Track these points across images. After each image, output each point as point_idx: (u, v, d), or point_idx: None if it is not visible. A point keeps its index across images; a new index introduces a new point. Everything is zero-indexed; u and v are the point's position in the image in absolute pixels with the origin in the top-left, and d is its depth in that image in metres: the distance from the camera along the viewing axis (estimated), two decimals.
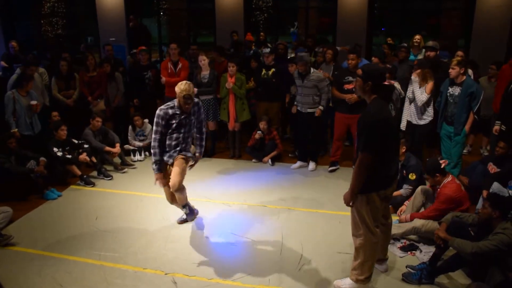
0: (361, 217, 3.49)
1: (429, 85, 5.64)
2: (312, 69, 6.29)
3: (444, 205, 4.24)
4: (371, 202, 3.44)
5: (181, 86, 4.32)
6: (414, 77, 5.73)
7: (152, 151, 4.53)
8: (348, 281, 3.70)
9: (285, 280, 3.90)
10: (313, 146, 6.75)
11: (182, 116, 4.46)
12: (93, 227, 4.93)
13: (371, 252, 3.56)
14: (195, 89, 6.91)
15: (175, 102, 4.46)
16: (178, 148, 4.55)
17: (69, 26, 13.40)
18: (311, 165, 6.69)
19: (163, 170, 4.59)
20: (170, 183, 4.51)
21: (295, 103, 6.58)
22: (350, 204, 3.48)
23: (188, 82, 4.42)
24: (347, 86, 6.12)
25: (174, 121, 4.44)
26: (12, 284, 3.73)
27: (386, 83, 3.82)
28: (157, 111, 4.43)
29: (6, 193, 5.53)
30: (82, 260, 4.25)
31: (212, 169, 6.72)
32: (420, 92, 5.67)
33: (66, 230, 4.87)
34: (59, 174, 6.11)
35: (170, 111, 4.43)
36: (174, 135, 4.50)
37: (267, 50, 7.07)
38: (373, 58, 6.87)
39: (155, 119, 4.44)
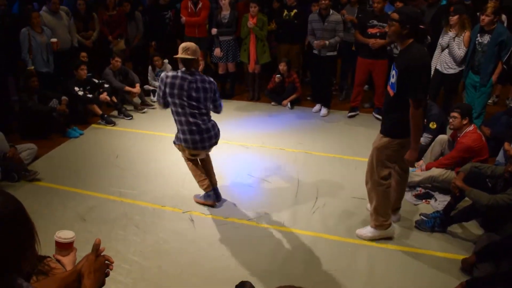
0: (381, 162, 3.46)
1: (466, 36, 5.40)
2: (331, 10, 6.07)
3: (461, 154, 4.19)
4: (402, 147, 3.37)
5: None
6: (453, 23, 5.48)
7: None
8: (368, 228, 3.73)
9: (299, 222, 3.99)
10: (325, 91, 6.67)
11: None
12: (113, 165, 5.06)
13: (383, 195, 3.56)
14: (214, 29, 6.83)
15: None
16: None
17: None
18: (323, 110, 6.63)
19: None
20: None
21: (313, 40, 6.35)
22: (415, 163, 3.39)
23: None
24: (371, 30, 5.91)
25: None
26: (38, 217, 3.90)
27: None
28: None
29: (30, 131, 5.69)
30: (103, 196, 4.41)
31: (231, 111, 6.72)
32: (457, 45, 5.45)
33: (88, 167, 5.02)
34: (80, 113, 6.22)
35: None
36: None
37: None
38: (397, 3, 6.45)
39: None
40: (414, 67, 3.09)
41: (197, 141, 3.76)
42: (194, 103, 3.65)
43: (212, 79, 3.77)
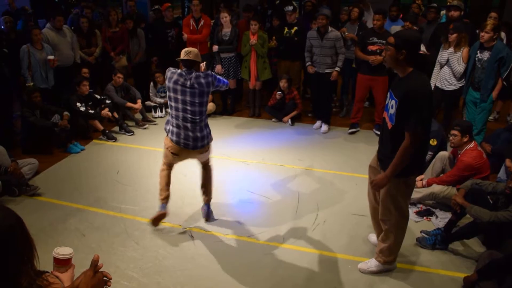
0: (396, 202, 3.18)
1: (464, 52, 5.44)
2: (329, 28, 6.14)
3: (462, 172, 4.17)
4: (410, 185, 3.19)
5: None
6: (452, 40, 5.53)
7: None
8: (373, 262, 3.50)
9: (299, 239, 3.97)
10: (325, 108, 6.69)
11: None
12: (114, 180, 5.06)
13: (401, 235, 3.38)
14: (215, 46, 6.90)
15: None
16: None
17: None
18: (324, 127, 6.65)
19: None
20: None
21: (309, 63, 6.44)
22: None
23: None
24: (371, 47, 5.97)
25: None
26: (38, 232, 3.90)
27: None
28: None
29: (32, 146, 5.72)
30: (103, 211, 4.40)
31: (232, 127, 6.75)
32: (457, 61, 5.49)
33: (88, 183, 5.02)
34: (81, 129, 6.24)
35: None
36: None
37: (290, 8, 6.89)
38: (406, 23, 6.48)
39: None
40: (415, 95, 2.84)
41: (181, 137, 3.76)
42: (188, 99, 3.68)
43: (208, 72, 3.76)
